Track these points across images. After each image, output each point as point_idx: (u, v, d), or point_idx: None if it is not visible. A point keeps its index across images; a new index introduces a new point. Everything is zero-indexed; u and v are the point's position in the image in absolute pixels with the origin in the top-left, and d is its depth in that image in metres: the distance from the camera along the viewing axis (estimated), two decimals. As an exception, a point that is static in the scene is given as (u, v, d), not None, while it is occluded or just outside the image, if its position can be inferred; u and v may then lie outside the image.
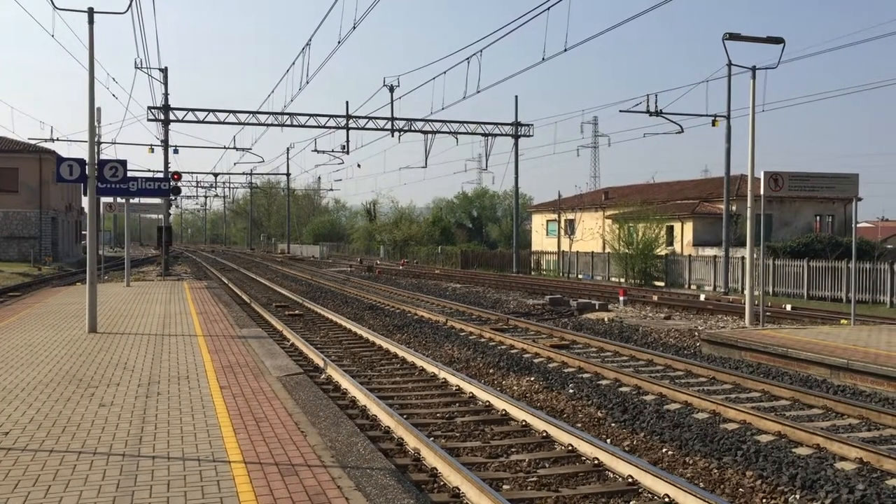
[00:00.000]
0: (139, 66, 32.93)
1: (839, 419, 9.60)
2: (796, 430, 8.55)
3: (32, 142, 48.51)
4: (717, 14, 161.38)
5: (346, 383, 11.05)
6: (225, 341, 13.10)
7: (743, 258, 30.40)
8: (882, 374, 11.25)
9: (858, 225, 20.74)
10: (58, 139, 47.02)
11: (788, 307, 23.72)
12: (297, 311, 22.06)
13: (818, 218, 45.75)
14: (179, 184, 37.94)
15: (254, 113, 41.41)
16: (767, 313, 19.54)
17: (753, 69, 19.19)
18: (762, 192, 17.30)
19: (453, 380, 11.44)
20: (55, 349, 12.04)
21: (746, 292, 18.79)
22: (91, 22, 14.59)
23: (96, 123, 15.02)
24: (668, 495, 6.54)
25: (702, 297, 27.82)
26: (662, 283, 37.62)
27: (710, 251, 39.13)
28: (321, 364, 12.71)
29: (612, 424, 9.41)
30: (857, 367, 11.71)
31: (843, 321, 18.89)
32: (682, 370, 12.76)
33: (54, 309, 18.72)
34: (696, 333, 17.06)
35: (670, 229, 44.05)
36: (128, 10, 15.29)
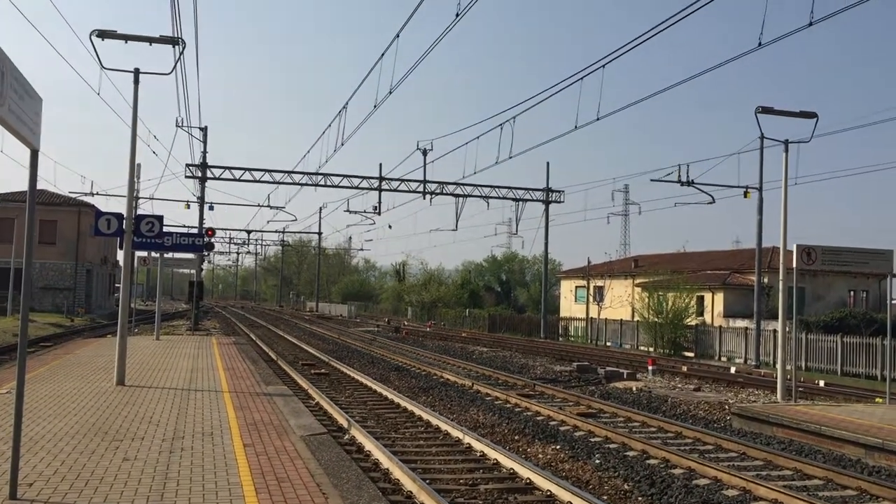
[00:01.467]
0: (180, 125, 33.83)
1: (874, 502, 9.31)
2: (829, 512, 8.30)
3: (72, 195, 49.69)
4: (749, 86, 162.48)
5: (369, 445, 10.96)
6: (250, 398, 13.10)
7: (775, 331, 29.94)
8: (919, 456, 10.92)
9: (894, 301, 20.39)
10: (97, 193, 48.29)
11: (821, 383, 23.23)
12: (322, 370, 22.03)
13: (852, 293, 45.07)
14: (213, 240, 38.53)
15: (289, 172, 42.16)
16: (800, 388, 19.15)
17: (786, 143, 19.21)
18: (794, 265, 17.14)
19: (478, 445, 11.30)
20: (83, 401, 12.12)
21: (778, 366, 18.46)
22: (136, 82, 15.08)
23: (136, 179, 15.38)
24: (695, 575, 6.35)
25: (732, 370, 27.36)
26: (692, 354, 37.09)
27: (740, 323, 38.60)
28: (345, 424, 12.64)
29: (639, 498, 9.21)
30: (893, 447, 11.39)
31: (878, 399, 18.44)
32: (711, 444, 12.50)
33: (84, 360, 18.90)
34: (727, 407, 16.75)
35: (700, 299, 43.63)
36: (172, 71, 15.80)
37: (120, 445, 8.81)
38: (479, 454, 11.01)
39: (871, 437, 11.84)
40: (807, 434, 13.03)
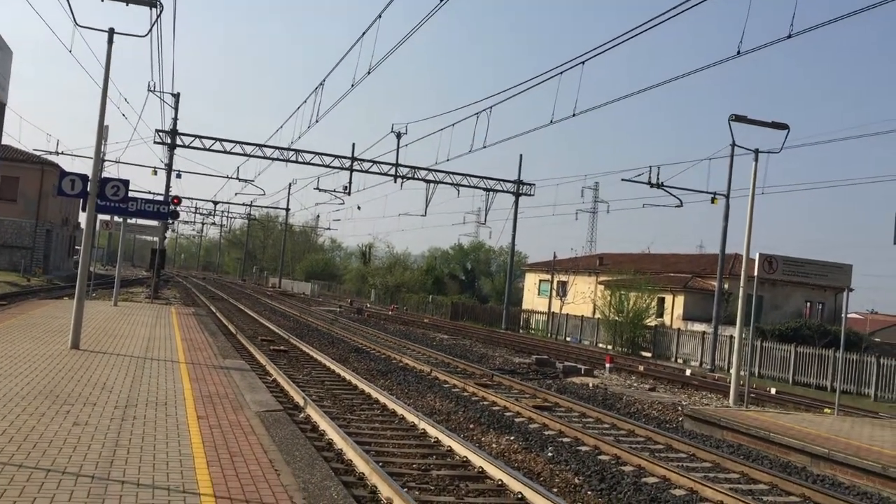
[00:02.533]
0: (152, 89, 33.26)
1: (816, 509, 9.50)
2: (773, 516, 8.46)
3: (37, 153, 48.68)
4: (724, 94, 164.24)
5: (324, 424, 10.94)
6: (207, 370, 12.99)
7: (731, 337, 30.44)
8: (862, 468, 11.19)
9: (848, 315, 20.81)
10: (62, 153, 47.29)
11: (773, 390, 23.64)
12: (282, 347, 21.92)
13: (808, 304, 45.90)
14: (178, 208, 38.02)
15: (260, 146, 41.71)
16: (752, 395, 19.47)
17: (756, 152, 19.44)
18: (756, 274, 17.39)
19: (433, 431, 11.33)
20: (35, 363, 11.92)
21: (732, 372, 18.76)
22: (110, 42, 14.79)
23: (103, 141, 15.11)
24: (639, 571, 6.44)
25: (688, 372, 27.75)
26: (649, 354, 37.55)
27: (699, 326, 39.15)
28: (301, 402, 12.60)
29: (589, 492, 9.31)
30: (838, 458, 11.64)
31: (826, 410, 18.83)
32: (662, 444, 12.67)
33: (39, 322, 18.59)
34: (680, 408, 16.98)
35: (661, 301, 44.13)
36: (148, 33, 15.50)
37: (71, 410, 8.69)
38: (433, 440, 11.04)
39: (818, 447, 12.09)
40: (756, 439, 13.27)
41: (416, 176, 43.79)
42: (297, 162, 42.16)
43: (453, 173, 44.56)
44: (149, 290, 39.05)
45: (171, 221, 49.04)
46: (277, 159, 41.95)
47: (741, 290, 18.84)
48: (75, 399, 9.34)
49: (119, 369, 12.06)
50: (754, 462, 11.82)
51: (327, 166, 43.15)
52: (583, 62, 15.95)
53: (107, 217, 29.04)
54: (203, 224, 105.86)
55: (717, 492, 9.29)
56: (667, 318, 44.01)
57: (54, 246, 55.93)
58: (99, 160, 15.16)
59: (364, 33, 18.76)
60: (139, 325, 20.05)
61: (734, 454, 12.31)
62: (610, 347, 38.68)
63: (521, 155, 48.98)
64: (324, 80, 26.56)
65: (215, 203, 76.58)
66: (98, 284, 38.27)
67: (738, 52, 13.69)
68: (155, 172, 43.30)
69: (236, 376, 12.71)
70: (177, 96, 39.55)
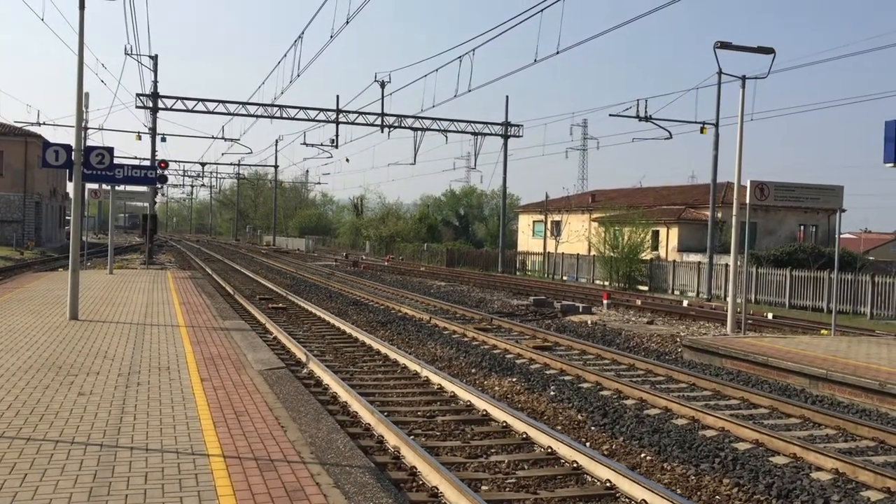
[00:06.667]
0: (129, 52, 32.77)
1: (817, 429, 9.68)
2: (774, 439, 8.61)
3: (18, 125, 48.10)
4: (709, 24, 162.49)
5: (327, 379, 11.03)
6: (207, 332, 13.04)
7: (727, 265, 30.60)
8: (860, 386, 11.35)
9: (841, 236, 20.90)
10: (44, 123, 47.08)
11: (770, 315, 23.88)
12: (280, 305, 21.99)
13: (802, 227, 46.04)
14: (166, 172, 37.75)
15: (243, 104, 41.26)
16: (749, 321, 19.67)
17: (743, 78, 19.31)
18: (748, 201, 17.40)
19: (435, 378, 11.44)
20: (35, 335, 11.95)
21: (729, 300, 18.90)
22: (82, 7, 14.48)
23: (84, 108, 14.91)
24: (645, 500, 6.58)
25: (685, 303, 27.96)
26: (646, 288, 37.77)
27: (694, 257, 39.31)
28: (303, 359, 12.69)
29: (592, 428, 9.45)
30: (836, 377, 11.80)
31: (823, 331, 19.03)
32: (662, 375, 12.82)
33: (35, 294, 18.58)
34: (678, 339, 17.15)
35: (655, 234, 44.23)
36: (119, -4, 15.17)
37: (75, 380, 8.73)
38: (436, 387, 11.16)
39: (816, 368, 12.24)
40: (754, 365, 13.44)
41: (402, 124, 43.44)
42: (281, 118, 41.79)
43: (440, 119, 44.25)
44: (143, 255, 38.98)
45: (159, 186, 48.72)
46: (262, 116, 41.58)
47: (734, 217, 18.88)
48: (78, 369, 9.38)
49: (120, 337, 12.10)
50: (754, 387, 11.99)
51: (313, 120, 42.78)
52: (564, -2, 15.69)
53: (95, 186, 28.86)
54: (193, 186, 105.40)
55: (719, 419, 9.43)
56: (662, 251, 44.15)
57: (45, 218, 55.63)
58: (81, 129, 14.97)
59: (340, -18, 18.40)
60: (136, 292, 20.06)
61: (734, 381, 12.48)
62: (607, 284, 38.88)
63: (507, 96, 48.66)
64: (302, 33, 26.14)
65: (203, 164, 76.09)
66: (92, 253, 38.20)
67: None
68: (139, 137, 43.03)
69: (237, 336, 12.77)
70: (155, 58, 38.99)
